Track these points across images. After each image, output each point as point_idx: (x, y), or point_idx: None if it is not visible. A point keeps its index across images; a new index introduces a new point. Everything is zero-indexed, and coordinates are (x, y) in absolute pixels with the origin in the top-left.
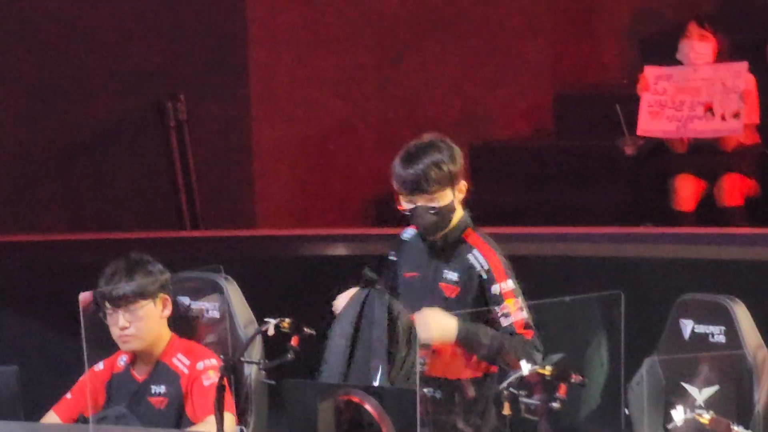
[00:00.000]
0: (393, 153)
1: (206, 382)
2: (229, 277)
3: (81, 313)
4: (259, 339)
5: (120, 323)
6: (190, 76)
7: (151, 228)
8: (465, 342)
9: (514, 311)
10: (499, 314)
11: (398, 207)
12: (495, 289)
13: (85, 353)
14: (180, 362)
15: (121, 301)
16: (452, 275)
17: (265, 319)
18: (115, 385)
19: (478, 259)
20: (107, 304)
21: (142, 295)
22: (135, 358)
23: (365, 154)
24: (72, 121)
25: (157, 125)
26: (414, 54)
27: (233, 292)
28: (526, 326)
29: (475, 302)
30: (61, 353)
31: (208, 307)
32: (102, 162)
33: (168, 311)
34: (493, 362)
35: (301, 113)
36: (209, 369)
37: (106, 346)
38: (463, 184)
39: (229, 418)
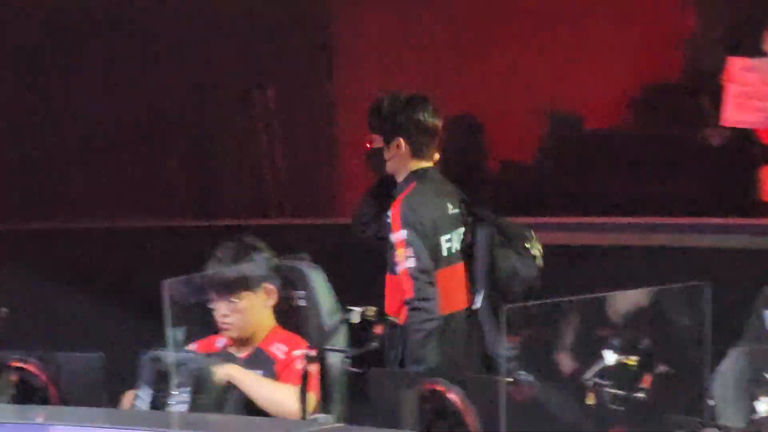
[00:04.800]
0: None
1: (299, 366)
2: (315, 265)
3: (166, 301)
4: (344, 327)
5: (221, 311)
6: (277, 66)
7: (238, 215)
8: None
9: (401, 260)
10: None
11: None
12: (391, 237)
13: (169, 340)
14: (278, 350)
15: (224, 290)
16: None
17: (350, 308)
18: None
19: (390, 210)
20: (212, 290)
21: (245, 286)
22: (234, 341)
23: (447, 146)
24: (162, 112)
25: (244, 115)
26: (497, 45)
27: (319, 280)
28: (410, 275)
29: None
30: (145, 340)
31: (294, 295)
32: (191, 151)
33: (272, 300)
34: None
35: None
36: (303, 358)
37: (191, 332)
38: (401, 142)
39: (312, 397)
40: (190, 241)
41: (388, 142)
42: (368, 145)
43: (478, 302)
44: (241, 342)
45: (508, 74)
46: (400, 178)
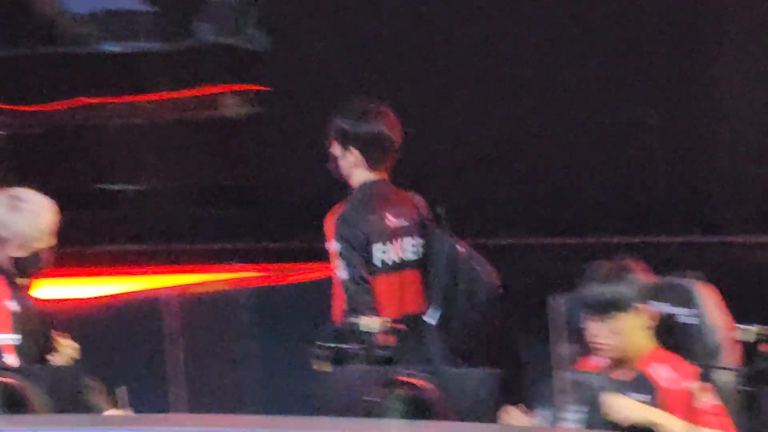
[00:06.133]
0: None
1: (697, 404)
2: (706, 284)
3: (550, 318)
4: (736, 346)
5: (594, 332)
6: None
7: (620, 232)
8: None
9: (336, 270)
10: None
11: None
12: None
13: (553, 357)
14: (660, 375)
15: (596, 312)
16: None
17: (742, 326)
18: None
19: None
20: (584, 311)
21: (617, 307)
22: (611, 362)
23: None
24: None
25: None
26: None
27: (709, 298)
28: (343, 285)
29: None
30: (533, 356)
31: (684, 313)
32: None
33: (649, 321)
34: None
35: None
36: (699, 390)
37: (576, 350)
38: (354, 151)
39: None
40: (569, 258)
41: (343, 150)
42: (330, 150)
43: (433, 319)
44: (618, 363)
45: None
46: (353, 185)
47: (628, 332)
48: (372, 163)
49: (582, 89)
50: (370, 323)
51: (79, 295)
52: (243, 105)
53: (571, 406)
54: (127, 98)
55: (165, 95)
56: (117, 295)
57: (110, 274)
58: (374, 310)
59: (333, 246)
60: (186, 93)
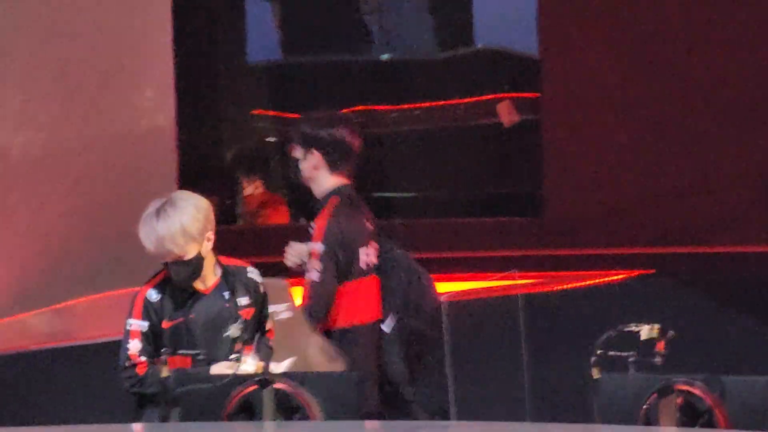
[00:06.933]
0: None
1: None
2: None
3: None
4: None
5: None
6: None
7: None
8: None
9: (311, 270)
10: None
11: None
12: (310, 246)
13: None
14: None
15: None
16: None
17: None
18: None
19: (315, 221)
20: None
21: None
22: None
23: None
24: None
25: None
26: None
27: None
28: (311, 286)
29: None
30: None
31: None
32: None
33: None
34: None
35: None
36: None
37: None
38: (316, 154)
39: None
40: None
41: (304, 153)
42: (291, 155)
43: (389, 327)
44: None
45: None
46: (316, 189)
47: None
48: (333, 166)
49: None
50: (649, 331)
51: None
52: (518, 112)
53: None
54: (404, 106)
55: (440, 103)
56: None
57: None
58: (326, 318)
59: (317, 246)
60: (462, 100)
